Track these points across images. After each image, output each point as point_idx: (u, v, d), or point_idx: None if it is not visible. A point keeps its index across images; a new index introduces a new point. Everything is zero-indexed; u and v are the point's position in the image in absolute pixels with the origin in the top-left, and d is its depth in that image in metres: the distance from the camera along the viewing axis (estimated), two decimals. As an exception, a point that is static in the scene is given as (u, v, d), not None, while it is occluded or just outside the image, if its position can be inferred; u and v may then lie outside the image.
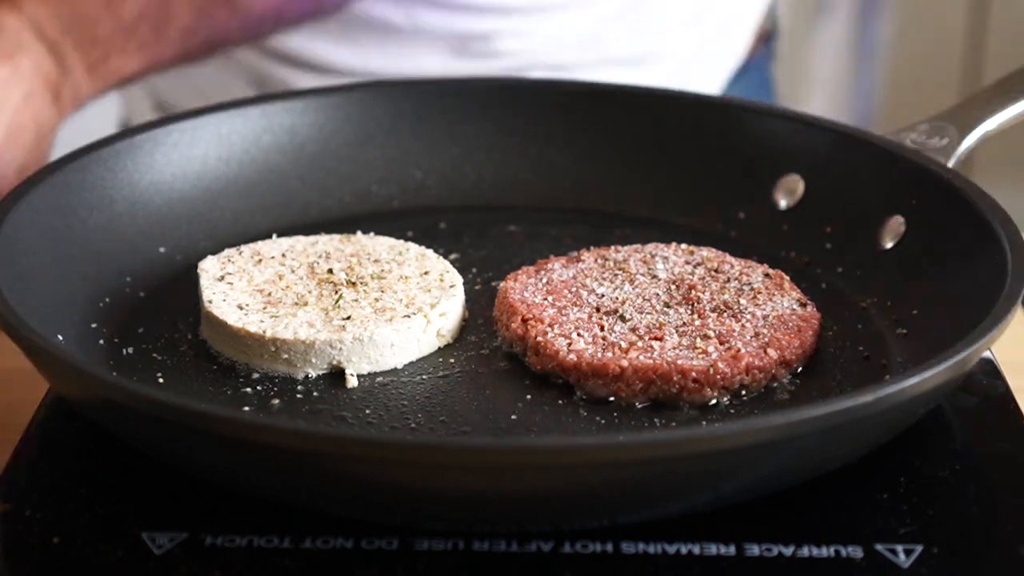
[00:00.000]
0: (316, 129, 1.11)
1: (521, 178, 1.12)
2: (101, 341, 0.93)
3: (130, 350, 0.92)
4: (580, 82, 1.15)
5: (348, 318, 0.91)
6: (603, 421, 0.86)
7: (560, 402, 0.88)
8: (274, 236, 1.02)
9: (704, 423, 0.85)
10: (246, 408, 0.87)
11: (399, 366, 0.91)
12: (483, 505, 0.76)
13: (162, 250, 1.02)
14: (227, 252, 0.99)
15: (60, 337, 0.88)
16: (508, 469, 0.73)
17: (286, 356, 0.90)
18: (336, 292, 0.94)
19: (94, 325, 0.94)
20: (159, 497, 0.81)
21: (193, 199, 1.05)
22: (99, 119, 1.40)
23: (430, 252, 1.00)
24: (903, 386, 0.76)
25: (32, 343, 0.80)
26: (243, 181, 1.08)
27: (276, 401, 0.88)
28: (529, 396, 0.88)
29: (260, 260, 0.98)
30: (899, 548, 0.78)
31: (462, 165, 1.12)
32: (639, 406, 0.87)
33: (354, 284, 0.95)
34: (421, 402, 0.88)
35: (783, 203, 1.06)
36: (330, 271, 0.96)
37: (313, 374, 0.90)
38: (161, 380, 0.90)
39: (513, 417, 0.86)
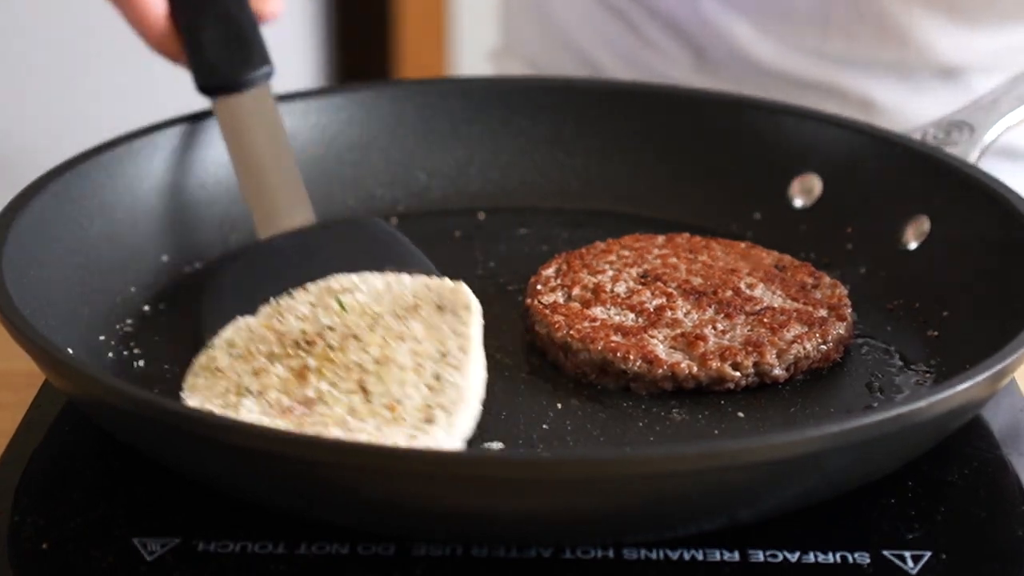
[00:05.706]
0: (317, 132, 1.08)
1: (529, 180, 1.10)
2: (110, 354, 0.90)
3: (141, 363, 0.90)
4: (588, 80, 1.13)
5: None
6: (603, 419, 0.84)
7: (590, 407, 0.86)
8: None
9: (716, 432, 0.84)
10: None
11: None
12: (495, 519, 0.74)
13: (164, 258, 0.99)
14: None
15: (70, 351, 0.85)
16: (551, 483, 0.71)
17: None
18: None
19: (102, 338, 0.91)
20: (151, 502, 0.80)
21: (194, 205, 1.02)
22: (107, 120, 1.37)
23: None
24: (955, 391, 0.74)
25: (58, 360, 0.78)
26: (244, 186, 1.05)
27: None
28: (559, 405, 0.86)
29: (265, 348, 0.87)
30: (907, 555, 0.77)
31: (467, 167, 1.10)
32: (675, 413, 0.85)
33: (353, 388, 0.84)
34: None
35: (799, 202, 1.04)
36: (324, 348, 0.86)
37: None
38: (175, 393, 0.87)
39: (545, 427, 0.84)
